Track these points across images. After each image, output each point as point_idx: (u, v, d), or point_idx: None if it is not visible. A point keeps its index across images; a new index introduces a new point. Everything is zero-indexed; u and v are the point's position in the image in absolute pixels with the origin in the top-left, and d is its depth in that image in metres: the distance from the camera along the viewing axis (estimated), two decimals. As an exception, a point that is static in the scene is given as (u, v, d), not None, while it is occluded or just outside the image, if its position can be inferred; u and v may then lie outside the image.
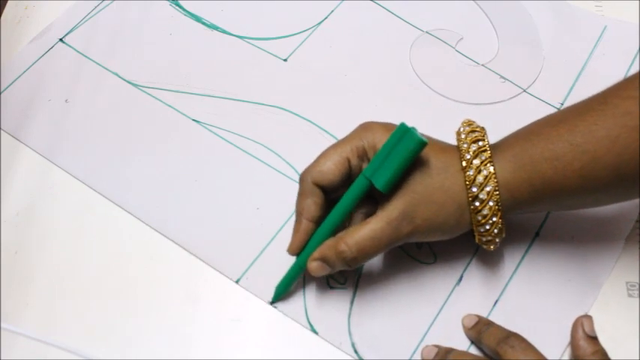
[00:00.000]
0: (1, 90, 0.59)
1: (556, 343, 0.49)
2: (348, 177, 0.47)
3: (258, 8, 0.65)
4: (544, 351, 0.46)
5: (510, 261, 0.52)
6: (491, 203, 0.45)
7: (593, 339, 0.47)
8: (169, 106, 0.59)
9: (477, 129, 0.47)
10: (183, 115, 0.59)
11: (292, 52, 0.62)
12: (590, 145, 0.44)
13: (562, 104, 0.60)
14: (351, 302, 0.51)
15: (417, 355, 0.49)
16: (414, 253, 0.52)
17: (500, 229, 0.46)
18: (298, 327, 0.50)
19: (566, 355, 0.49)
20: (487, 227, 0.46)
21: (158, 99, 0.59)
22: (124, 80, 0.60)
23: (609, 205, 0.54)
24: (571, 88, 0.61)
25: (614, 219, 0.54)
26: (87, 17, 0.64)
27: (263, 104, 0.59)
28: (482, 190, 0.45)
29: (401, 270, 0.52)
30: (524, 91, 0.61)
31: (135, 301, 0.50)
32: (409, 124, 0.44)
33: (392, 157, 0.44)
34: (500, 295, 0.51)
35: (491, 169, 0.45)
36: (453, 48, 0.63)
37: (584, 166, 0.44)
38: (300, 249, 0.48)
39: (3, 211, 0.54)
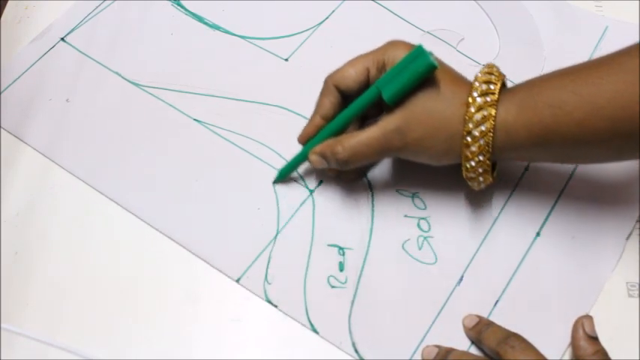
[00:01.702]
0: (2, 89, 0.59)
1: (556, 343, 0.49)
2: (366, 85, 0.50)
3: (260, 8, 0.65)
4: (544, 351, 0.46)
5: (511, 261, 0.52)
6: (482, 142, 0.47)
7: (594, 339, 0.47)
8: (170, 105, 0.59)
9: (495, 73, 0.48)
10: (185, 114, 0.59)
11: (293, 52, 0.62)
12: (592, 97, 0.45)
13: (563, 104, 0.60)
14: (352, 302, 0.51)
15: (418, 355, 0.49)
16: (415, 254, 0.52)
17: (485, 170, 0.48)
18: (298, 327, 0.50)
19: (567, 356, 0.49)
20: (473, 164, 0.48)
21: (159, 98, 0.59)
22: (126, 80, 0.60)
23: (610, 205, 0.54)
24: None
25: (615, 219, 0.54)
26: (88, 17, 0.64)
27: (264, 104, 0.59)
28: (477, 127, 0.47)
29: (402, 270, 0.52)
30: (525, 91, 0.61)
31: (135, 301, 0.50)
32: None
33: (403, 73, 0.47)
34: (500, 296, 0.51)
35: (493, 111, 0.46)
36: (454, 48, 0.63)
37: (584, 116, 0.45)
38: (307, 140, 0.53)
39: (3, 211, 0.54)
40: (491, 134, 0.46)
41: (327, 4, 0.66)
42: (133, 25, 0.64)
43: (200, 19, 0.64)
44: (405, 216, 0.54)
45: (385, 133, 0.48)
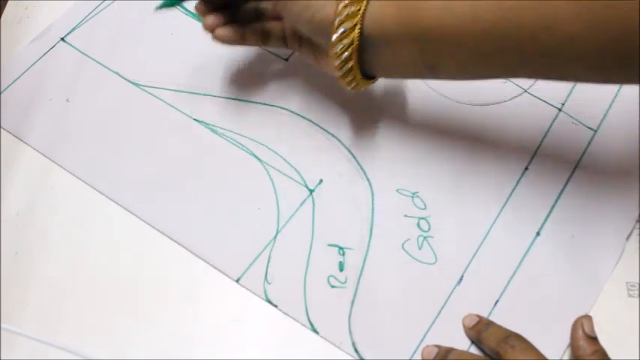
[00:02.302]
0: (2, 89, 0.59)
1: (556, 343, 0.49)
2: None
3: (259, 8, 0.65)
4: (544, 351, 0.46)
5: (511, 261, 0.52)
6: (345, 40, 0.47)
7: (593, 339, 0.47)
8: (170, 105, 0.59)
9: None
10: (185, 114, 0.59)
11: (293, 52, 0.62)
12: None
13: (563, 104, 0.59)
14: (352, 302, 0.51)
15: (418, 355, 0.49)
16: (415, 254, 0.52)
17: (351, 68, 0.49)
18: (298, 327, 0.50)
19: (566, 355, 0.49)
20: (339, 62, 0.48)
21: (159, 98, 0.59)
22: (125, 79, 0.60)
23: (610, 205, 0.54)
24: (572, 89, 0.60)
25: (615, 218, 0.54)
26: (88, 17, 0.64)
27: (264, 104, 0.59)
28: (342, 24, 0.47)
29: (401, 270, 0.52)
30: (526, 91, 0.60)
31: (135, 301, 0.50)
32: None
33: None
34: (500, 295, 0.51)
35: (360, 6, 0.47)
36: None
37: (441, 12, 0.45)
38: None
39: (3, 211, 0.54)
40: (359, 28, 0.47)
41: (327, 4, 0.65)
42: (133, 25, 0.64)
43: (200, 19, 0.64)
44: (405, 216, 0.54)
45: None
